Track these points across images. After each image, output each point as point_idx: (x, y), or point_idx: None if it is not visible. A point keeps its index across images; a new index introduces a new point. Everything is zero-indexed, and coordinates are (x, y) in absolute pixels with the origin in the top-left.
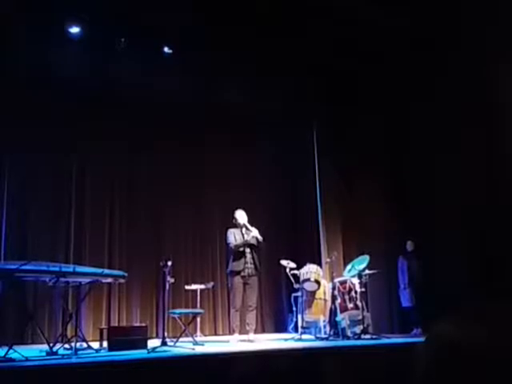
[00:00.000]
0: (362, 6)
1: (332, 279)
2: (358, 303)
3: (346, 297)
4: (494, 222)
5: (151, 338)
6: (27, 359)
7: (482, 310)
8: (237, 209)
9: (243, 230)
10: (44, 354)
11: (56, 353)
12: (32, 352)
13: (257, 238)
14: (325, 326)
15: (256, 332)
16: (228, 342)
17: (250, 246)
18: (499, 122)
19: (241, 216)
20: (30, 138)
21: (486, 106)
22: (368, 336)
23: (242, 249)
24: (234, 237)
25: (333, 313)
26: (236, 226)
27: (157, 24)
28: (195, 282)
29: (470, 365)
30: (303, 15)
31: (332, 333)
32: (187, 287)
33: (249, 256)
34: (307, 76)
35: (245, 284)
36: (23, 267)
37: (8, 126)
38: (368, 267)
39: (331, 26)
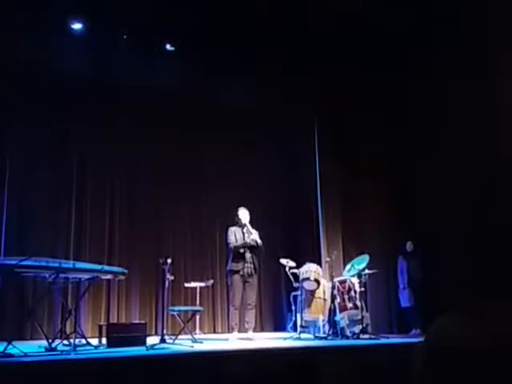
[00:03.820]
0: (362, 5)
1: (331, 278)
2: (358, 303)
3: (346, 296)
4: (494, 222)
5: (150, 335)
6: (26, 355)
7: (481, 309)
8: (240, 206)
9: (244, 230)
10: (43, 349)
11: (55, 349)
12: (31, 348)
13: (256, 242)
14: (324, 326)
15: (255, 330)
16: (227, 340)
17: (250, 247)
18: (500, 121)
19: (243, 215)
20: (30, 136)
21: (486, 106)
22: (367, 336)
23: (242, 250)
24: (234, 236)
25: (332, 312)
26: (237, 223)
27: (158, 23)
28: (195, 280)
29: (469, 365)
30: (303, 15)
31: (331, 332)
32: (187, 285)
33: (248, 257)
34: (307, 76)
35: (244, 282)
36: (23, 263)
37: (9, 125)
38: (368, 267)
39: (331, 25)
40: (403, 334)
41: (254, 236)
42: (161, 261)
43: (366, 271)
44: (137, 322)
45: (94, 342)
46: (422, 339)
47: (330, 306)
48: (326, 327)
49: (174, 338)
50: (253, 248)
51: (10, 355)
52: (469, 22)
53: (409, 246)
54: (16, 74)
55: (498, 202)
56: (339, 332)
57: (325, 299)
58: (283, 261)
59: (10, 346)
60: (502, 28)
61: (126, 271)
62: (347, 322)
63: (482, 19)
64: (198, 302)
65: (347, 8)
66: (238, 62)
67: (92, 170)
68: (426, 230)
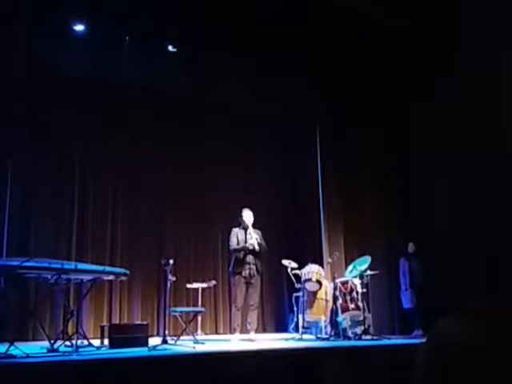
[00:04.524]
0: (362, 6)
1: (333, 279)
2: (360, 304)
3: (348, 297)
4: (494, 222)
5: (152, 335)
6: (28, 356)
7: (482, 310)
8: (244, 208)
9: (247, 231)
10: (45, 350)
11: (57, 350)
12: (33, 349)
13: (254, 246)
14: (326, 327)
15: (257, 331)
16: (229, 340)
17: (251, 250)
18: (501, 121)
19: (247, 216)
20: (32, 137)
21: (486, 106)
22: (369, 337)
23: (242, 254)
24: (236, 238)
25: (334, 313)
26: (241, 224)
27: (158, 24)
28: (197, 281)
29: (471, 365)
30: (303, 15)
31: (333, 333)
32: (189, 286)
33: (250, 259)
34: (308, 76)
35: (247, 283)
36: (25, 264)
37: (10, 126)
38: (369, 268)
39: (331, 25)
40: (405, 335)
41: (253, 241)
42: (163, 262)
43: (368, 272)
44: (139, 322)
45: (96, 342)
46: (424, 340)
47: (332, 307)
48: (328, 328)
49: (175, 338)
50: (254, 251)
51: (12, 356)
52: (469, 21)
53: (411, 247)
54: (16, 75)
55: (498, 201)
56: (341, 333)
57: (327, 300)
58: (285, 262)
59: (13, 347)
60: (503, 27)
61: (127, 272)
62: (349, 322)
63: (483, 19)
64: (199, 303)
65: (347, 8)
66: (238, 62)
67: (94, 170)
68: (427, 231)
